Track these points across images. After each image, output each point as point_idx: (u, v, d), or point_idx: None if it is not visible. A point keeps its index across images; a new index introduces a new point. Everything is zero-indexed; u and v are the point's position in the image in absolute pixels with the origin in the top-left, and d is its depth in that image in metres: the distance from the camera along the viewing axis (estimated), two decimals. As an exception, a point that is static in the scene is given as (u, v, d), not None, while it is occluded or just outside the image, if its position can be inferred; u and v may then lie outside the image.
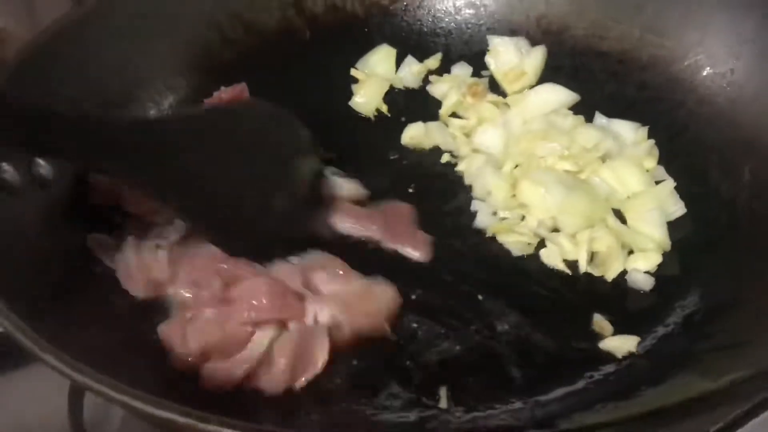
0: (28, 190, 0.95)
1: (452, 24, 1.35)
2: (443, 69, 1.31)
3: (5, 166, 0.93)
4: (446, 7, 1.35)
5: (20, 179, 0.94)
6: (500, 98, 1.24)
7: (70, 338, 0.80)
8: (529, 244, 1.05)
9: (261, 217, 0.99)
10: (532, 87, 1.24)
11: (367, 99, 1.28)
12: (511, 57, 1.27)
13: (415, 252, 1.04)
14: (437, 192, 1.14)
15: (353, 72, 1.31)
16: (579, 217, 1.04)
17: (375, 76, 1.30)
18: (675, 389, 0.82)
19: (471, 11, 1.34)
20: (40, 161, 0.98)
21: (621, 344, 0.92)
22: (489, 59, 1.29)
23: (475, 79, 1.28)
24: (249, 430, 0.66)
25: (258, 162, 1.00)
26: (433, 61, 1.32)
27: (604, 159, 1.12)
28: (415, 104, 1.28)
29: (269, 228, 1.00)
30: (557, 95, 1.21)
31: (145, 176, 0.90)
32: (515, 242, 1.05)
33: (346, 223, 1.06)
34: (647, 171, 1.11)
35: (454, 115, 1.25)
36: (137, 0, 1.16)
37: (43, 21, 1.46)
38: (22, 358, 0.78)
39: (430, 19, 1.35)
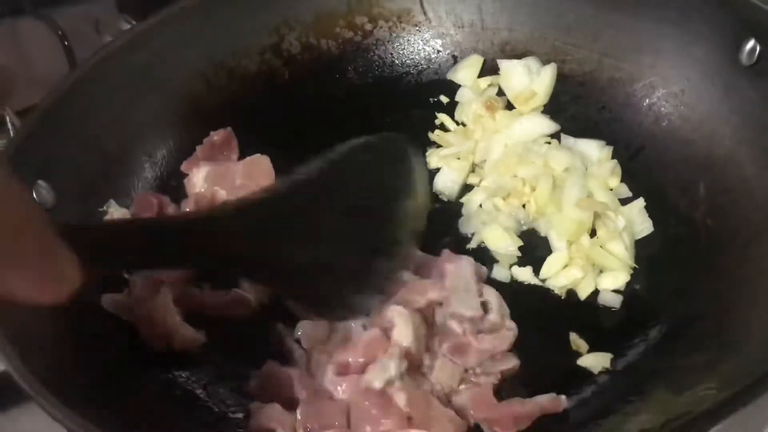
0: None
1: (422, 53, 1.42)
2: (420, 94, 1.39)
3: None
4: (415, 39, 1.41)
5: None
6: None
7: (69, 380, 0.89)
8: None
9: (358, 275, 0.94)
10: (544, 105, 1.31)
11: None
12: (521, 79, 1.32)
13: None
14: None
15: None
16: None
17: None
18: (646, 404, 0.92)
19: (439, 41, 1.41)
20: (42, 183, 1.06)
21: (597, 361, 1.00)
22: (501, 82, 1.34)
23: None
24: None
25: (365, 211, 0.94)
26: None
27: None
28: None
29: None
30: (541, 126, 1.28)
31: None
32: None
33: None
34: (611, 190, 1.19)
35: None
36: (129, 60, 1.22)
37: (31, 54, 1.58)
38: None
39: (401, 51, 1.42)
